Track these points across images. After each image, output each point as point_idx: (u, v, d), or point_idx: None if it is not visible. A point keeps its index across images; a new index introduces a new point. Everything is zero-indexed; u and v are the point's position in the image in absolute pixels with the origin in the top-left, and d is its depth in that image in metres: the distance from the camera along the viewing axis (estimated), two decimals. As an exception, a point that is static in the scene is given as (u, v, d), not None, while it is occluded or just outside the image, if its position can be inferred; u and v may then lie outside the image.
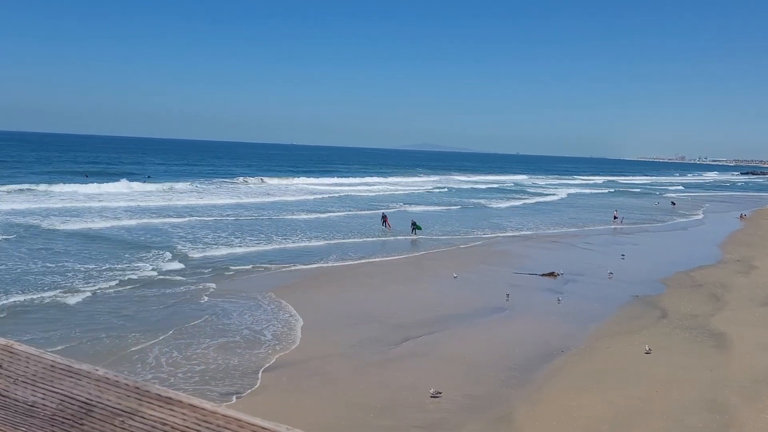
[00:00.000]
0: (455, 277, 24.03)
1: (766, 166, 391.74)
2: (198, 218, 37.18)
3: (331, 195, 59.59)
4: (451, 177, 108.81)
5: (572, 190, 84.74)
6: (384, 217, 38.10)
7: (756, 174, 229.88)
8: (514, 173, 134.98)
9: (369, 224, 38.26)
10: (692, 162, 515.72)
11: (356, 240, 32.19)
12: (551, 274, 25.16)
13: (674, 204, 66.34)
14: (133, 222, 34.48)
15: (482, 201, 60.28)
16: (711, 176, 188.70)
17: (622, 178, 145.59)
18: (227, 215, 39.58)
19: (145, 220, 35.27)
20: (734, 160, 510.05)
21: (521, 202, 61.47)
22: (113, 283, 20.41)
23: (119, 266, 22.91)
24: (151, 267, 23.01)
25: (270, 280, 22.29)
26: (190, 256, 25.65)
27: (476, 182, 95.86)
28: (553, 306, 20.58)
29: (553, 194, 75.26)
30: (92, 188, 51.86)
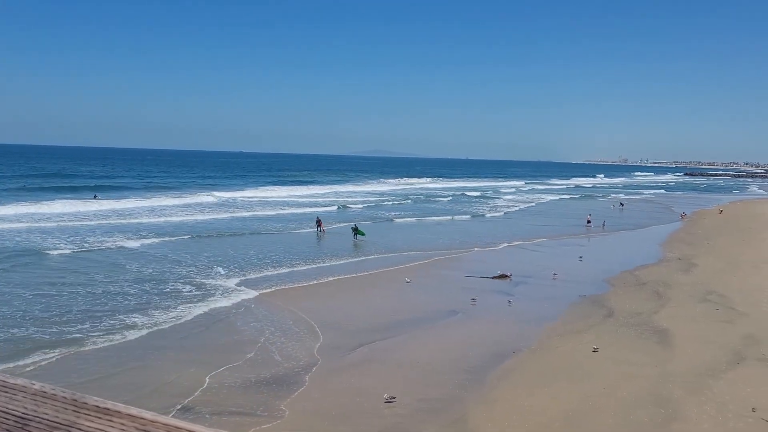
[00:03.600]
0: (408, 282, 24.20)
1: (703, 167, 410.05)
2: (156, 240, 32.62)
3: (326, 208, 54.59)
4: (449, 184, 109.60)
5: (553, 197, 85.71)
6: (318, 221, 39.08)
7: (695, 175, 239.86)
8: (506, 179, 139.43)
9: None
10: (636, 164, 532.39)
11: (320, 258, 30.49)
12: (502, 276, 25.59)
13: (623, 205, 69.35)
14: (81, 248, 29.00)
15: (480, 210, 60.29)
16: (675, 178, 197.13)
17: (594, 180, 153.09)
18: (192, 235, 35.04)
19: (93, 246, 29.76)
20: (674, 162, 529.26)
21: (504, 211, 61.63)
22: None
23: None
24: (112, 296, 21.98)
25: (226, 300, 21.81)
26: (147, 279, 24.66)
27: (471, 189, 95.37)
28: (505, 308, 20.93)
29: (540, 199, 78.08)
30: (22, 208, 42.80)
